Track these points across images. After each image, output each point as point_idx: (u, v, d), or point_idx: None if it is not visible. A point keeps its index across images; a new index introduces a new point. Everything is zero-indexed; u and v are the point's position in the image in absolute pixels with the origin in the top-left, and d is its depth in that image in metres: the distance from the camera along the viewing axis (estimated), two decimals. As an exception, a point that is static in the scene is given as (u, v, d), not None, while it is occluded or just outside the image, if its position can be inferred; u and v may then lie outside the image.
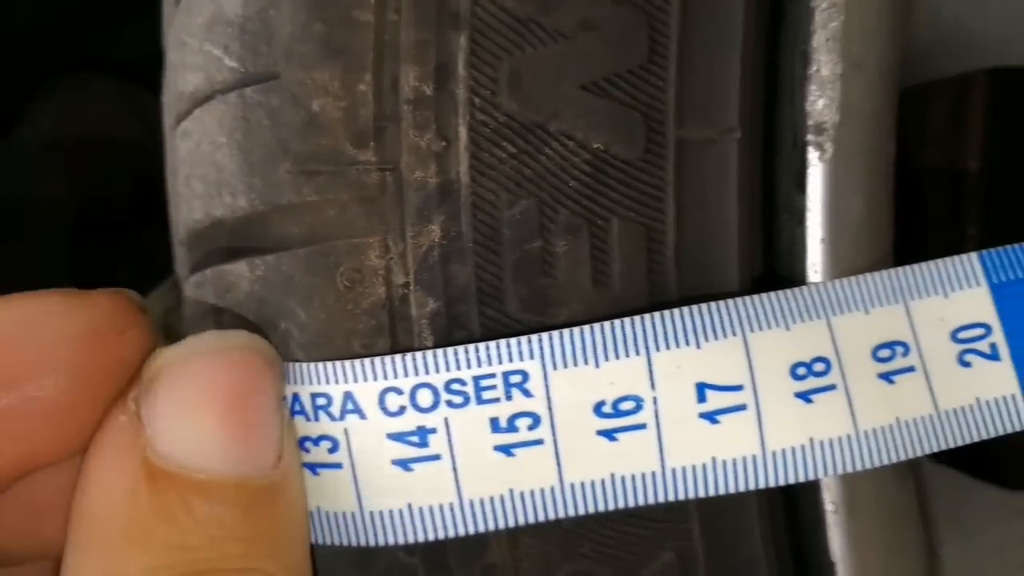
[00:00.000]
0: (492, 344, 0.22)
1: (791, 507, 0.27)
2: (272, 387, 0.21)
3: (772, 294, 0.23)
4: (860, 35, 0.25)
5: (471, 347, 0.22)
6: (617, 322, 0.22)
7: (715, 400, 0.22)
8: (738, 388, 0.22)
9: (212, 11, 0.23)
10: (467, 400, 0.22)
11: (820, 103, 0.24)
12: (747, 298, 0.22)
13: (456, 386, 0.22)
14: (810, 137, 0.24)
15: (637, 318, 0.22)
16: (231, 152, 0.23)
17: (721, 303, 0.22)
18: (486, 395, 0.22)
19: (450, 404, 0.22)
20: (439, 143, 0.22)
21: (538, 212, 0.22)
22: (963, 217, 0.50)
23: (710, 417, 0.22)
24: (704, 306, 0.22)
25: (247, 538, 0.20)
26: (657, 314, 0.22)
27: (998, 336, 0.23)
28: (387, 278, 0.22)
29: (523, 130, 0.22)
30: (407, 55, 0.21)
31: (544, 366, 0.22)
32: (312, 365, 0.22)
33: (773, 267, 0.25)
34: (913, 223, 0.51)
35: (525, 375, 0.22)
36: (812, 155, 0.24)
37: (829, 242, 0.24)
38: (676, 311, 0.22)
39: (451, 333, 0.22)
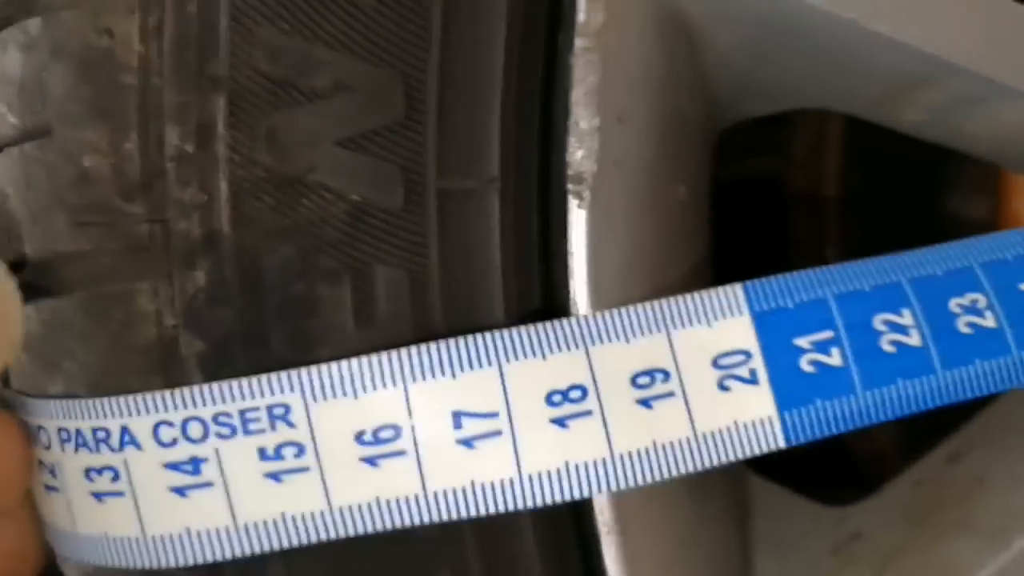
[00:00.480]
0: (255, 379, 0.23)
1: (577, 526, 0.28)
2: None
3: (530, 326, 0.24)
4: (620, 89, 0.26)
5: (235, 382, 0.23)
6: (374, 356, 0.24)
7: (471, 427, 0.24)
8: (494, 415, 0.24)
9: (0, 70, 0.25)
10: (234, 431, 0.23)
11: (579, 154, 0.26)
12: (504, 330, 0.24)
13: (223, 419, 0.23)
14: (570, 186, 0.26)
15: (394, 352, 0.24)
16: (16, 203, 0.24)
17: (478, 335, 0.24)
18: (252, 427, 0.23)
19: (219, 435, 0.23)
20: (202, 197, 0.23)
21: (299, 259, 0.24)
22: (823, 238, 0.53)
23: (467, 443, 0.24)
24: (461, 338, 0.24)
25: None
26: (414, 347, 0.24)
27: (758, 362, 0.25)
28: (158, 320, 0.24)
29: (281, 183, 0.23)
30: (170, 116, 0.23)
31: (304, 398, 0.23)
32: (91, 401, 0.24)
33: (550, 307, 0.27)
34: (779, 242, 0.53)
35: (287, 408, 0.23)
36: (572, 203, 0.26)
37: (591, 282, 0.26)
38: (433, 344, 0.24)
39: (218, 372, 0.24)
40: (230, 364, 0.24)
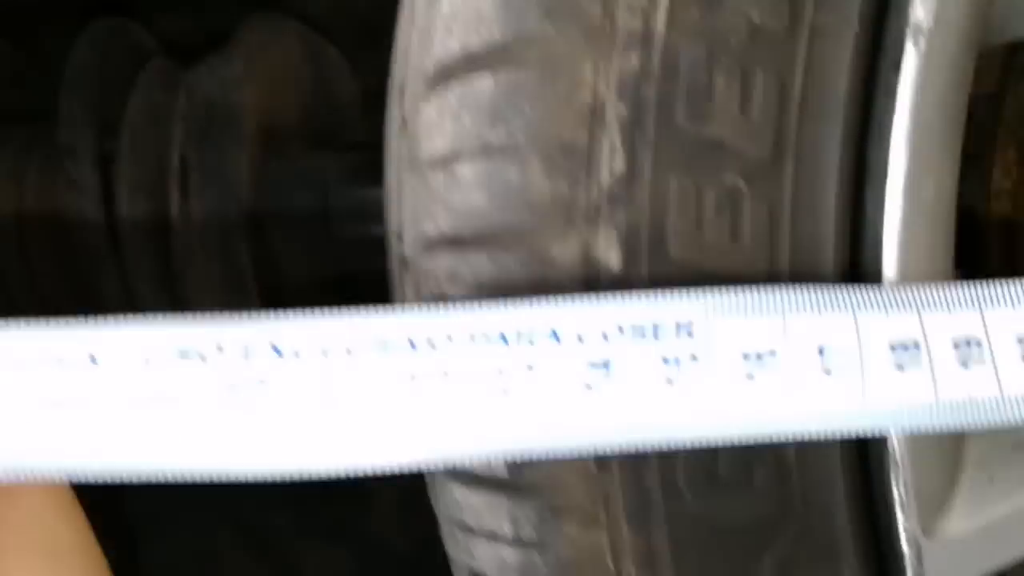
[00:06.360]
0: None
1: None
2: None
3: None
4: None
5: None
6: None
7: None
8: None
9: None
10: None
11: (920, 11, 0.33)
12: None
13: None
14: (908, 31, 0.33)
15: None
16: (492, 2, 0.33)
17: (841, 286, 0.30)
18: None
19: None
20: (645, 1, 0.31)
21: (706, 57, 0.32)
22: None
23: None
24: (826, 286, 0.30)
25: None
26: (790, 286, 0.30)
27: None
28: (594, 88, 0.32)
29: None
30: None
31: None
32: None
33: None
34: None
35: None
36: (908, 47, 0.33)
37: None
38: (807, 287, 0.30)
39: (632, 133, 0.32)
40: (643, 129, 0.32)
